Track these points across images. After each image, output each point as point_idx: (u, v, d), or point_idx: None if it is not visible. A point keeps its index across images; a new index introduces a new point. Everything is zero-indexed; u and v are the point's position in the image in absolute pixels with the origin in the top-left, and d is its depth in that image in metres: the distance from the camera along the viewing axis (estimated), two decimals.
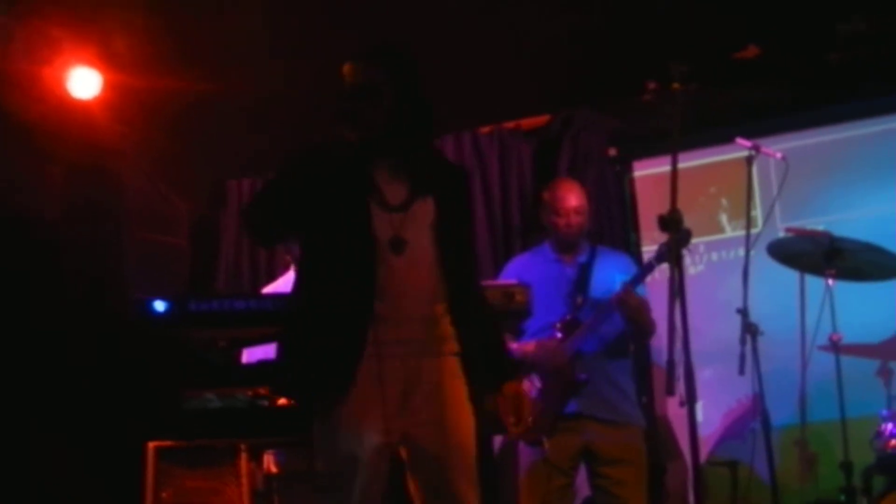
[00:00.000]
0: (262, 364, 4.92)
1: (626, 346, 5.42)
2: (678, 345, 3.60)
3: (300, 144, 3.64)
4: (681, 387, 3.63)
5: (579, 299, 5.31)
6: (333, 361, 3.52)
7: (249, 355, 5.53)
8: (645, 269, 5.25)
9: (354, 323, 3.52)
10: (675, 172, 3.81)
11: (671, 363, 3.54)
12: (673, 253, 3.76)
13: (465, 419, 3.63)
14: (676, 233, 3.76)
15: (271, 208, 3.64)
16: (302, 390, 3.67)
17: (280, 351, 3.70)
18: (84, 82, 6.28)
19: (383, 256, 3.56)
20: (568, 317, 5.27)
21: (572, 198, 5.44)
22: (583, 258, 5.45)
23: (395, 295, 3.56)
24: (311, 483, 5.22)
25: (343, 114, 3.57)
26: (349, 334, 3.51)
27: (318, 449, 3.64)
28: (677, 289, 3.64)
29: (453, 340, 3.64)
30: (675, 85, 4.07)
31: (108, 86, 6.33)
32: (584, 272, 5.38)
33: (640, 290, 5.25)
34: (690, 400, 3.61)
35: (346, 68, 3.67)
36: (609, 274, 5.36)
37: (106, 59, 6.23)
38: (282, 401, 4.80)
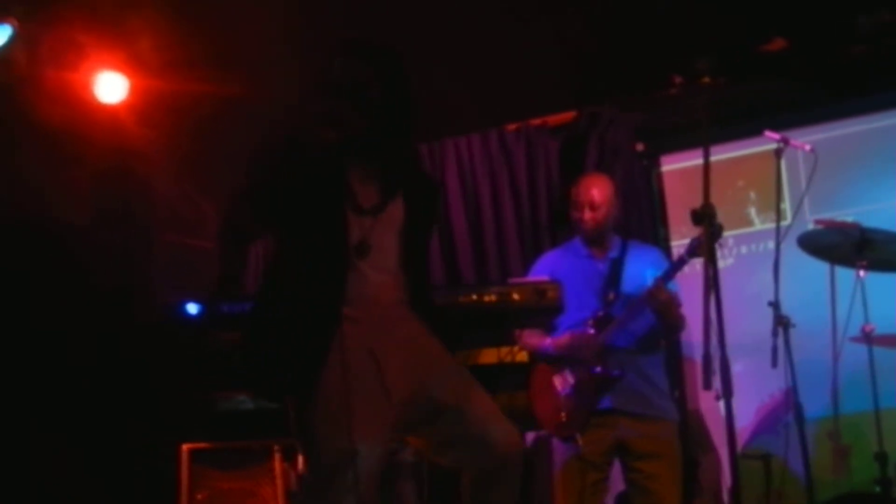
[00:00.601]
0: None
1: (657, 340, 5.41)
2: (713, 339, 3.59)
3: (276, 140, 3.54)
4: (716, 381, 3.61)
5: (611, 295, 5.30)
6: (302, 362, 3.45)
7: None
8: (676, 265, 5.24)
9: (323, 325, 3.46)
10: (706, 166, 3.79)
11: (707, 357, 3.53)
12: (707, 247, 3.75)
13: (451, 361, 3.63)
14: (710, 227, 3.74)
15: (259, 208, 3.57)
16: (273, 392, 3.61)
17: (249, 351, 3.61)
18: (110, 87, 6.28)
19: (351, 260, 3.52)
20: (600, 312, 5.27)
21: (591, 192, 5.44)
22: (614, 253, 5.44)
23: (361, 297, 3.52)
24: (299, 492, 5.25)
25: (324, 114, 3.48)
26: (317, 335, 3.46)
27: (303, 452, 3.59)
28: (712, 282, 3.63)
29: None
30: (704, 79, 4.05)
31: (135, 90, 6.33)
32: (616, 267, 5.38)
33: (671, 285, 5.24)
34: (727, 394, 3.59)
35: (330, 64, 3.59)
36: (640, 269, 5.36)
37: (132, 64, 6.24)
38: None
